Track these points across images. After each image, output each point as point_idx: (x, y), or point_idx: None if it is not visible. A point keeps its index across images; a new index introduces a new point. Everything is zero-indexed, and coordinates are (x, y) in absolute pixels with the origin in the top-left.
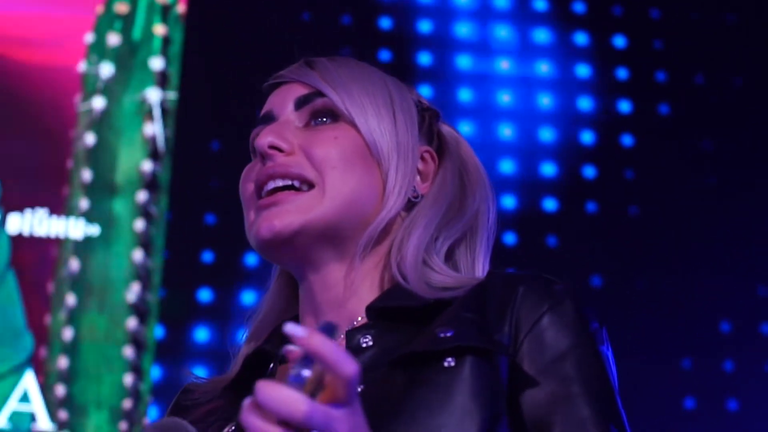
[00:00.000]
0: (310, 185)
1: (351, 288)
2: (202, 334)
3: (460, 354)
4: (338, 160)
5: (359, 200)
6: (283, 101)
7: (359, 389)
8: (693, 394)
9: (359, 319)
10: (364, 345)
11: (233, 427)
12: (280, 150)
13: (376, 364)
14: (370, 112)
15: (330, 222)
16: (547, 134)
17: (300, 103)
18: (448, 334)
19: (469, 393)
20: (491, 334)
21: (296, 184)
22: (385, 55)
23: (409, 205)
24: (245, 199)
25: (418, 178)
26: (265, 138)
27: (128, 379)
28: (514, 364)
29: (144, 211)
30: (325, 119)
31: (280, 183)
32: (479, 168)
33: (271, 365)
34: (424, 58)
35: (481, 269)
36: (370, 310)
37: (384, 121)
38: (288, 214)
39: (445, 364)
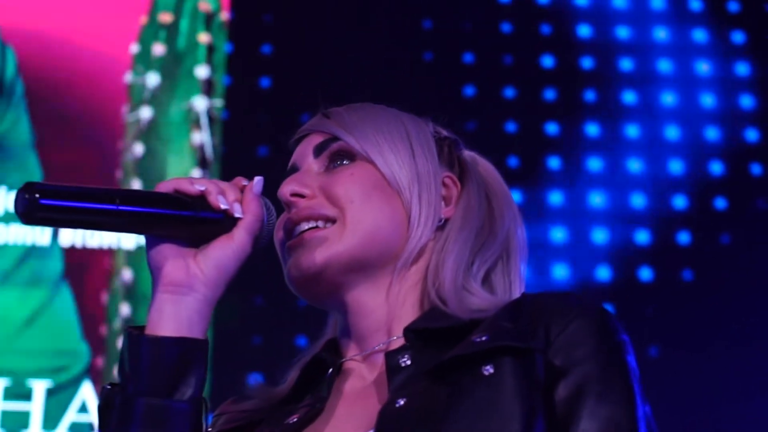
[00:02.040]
0: (332, 222)
1: (389, 313)
2: (256, 339)
3: (498, 359)
4: (356, 194)
5: (382, 230)
6: (304, 152)
7: (402, 402)
8: None
9: (395, 338)
10: (403, 365)
11: (295, 419)
12: (301, 196)
13: (416, 378)
14: (386, 148)
15: (354, 254)
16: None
17: (318, 150)
18: (483, 338)
19: (511, 397)
20: (526, 338)
21: (320, 224)
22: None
23: (437, 229)
24: (278, 248)
25: (442, 203)
26: (286, 187)
27: None
28: (549, 362)
29: None
30: (342, 161)
31: (305, 226)
32: (504, 187)
33: (330, 370)
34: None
35: (518, 291)
36: (408, 331)
37: (400, 154)
38: (312, 252)
39: (485, 372)
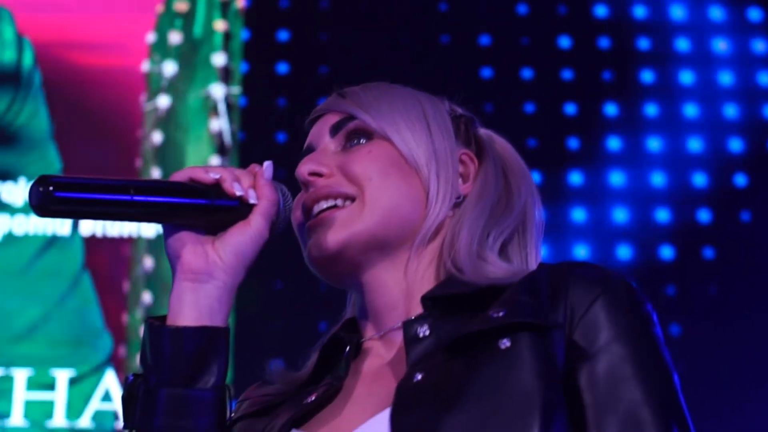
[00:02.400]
0: (351, 200)
1: (406, 289)
2: (276, 324)
3: (515, 333)
4: (374, 171)
5: (400, 208)
6: (320, 132)
7: (419, 377)
8: None
9: (416, 313)
10: (421, 335)
11: (313, 398)
12: (319, 175)
13: (434, 353)
14: (403, 126)
15: (374, 232)
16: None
17: (334, 130)
18: (501, 314)
19: (528, 371)
20: (546, 313)
21: (339, 202)
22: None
23: (455, 206)
24: (297, 228)
25: (459, 180)
26: (304, 167)
27: None
28: (571, 341)
29: None
30: (359, 140)
31: (324, 205)
32: (521, 163)
33: (347, 348)
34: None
35: (534, 264)
36: (426, 300)
37: (417, 131)
38: (332, 232)
39: (501, 346)
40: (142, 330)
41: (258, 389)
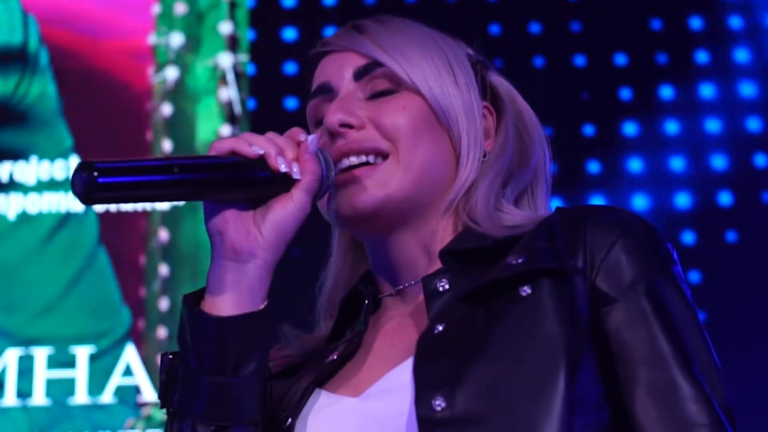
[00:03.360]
0: (384, 156)
1: (426, 246)
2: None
3: (535, 280)
4: (409, 129)
5: (433, 168)
6: (340, 71)
7: (440, 328)
8: None
9: (434, 268)
10: (441, 289)
11: (335, 357)
12: (350, 126)
13: (454, 305)
14: (432, 77)
15: (408, 192)
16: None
17: (359, 74)
18: (520, 261)
19: (550, 318)
20: (565, 259)
21: (371, 159)
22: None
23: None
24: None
25: (482, 137)
26: (334, 116)
27: None
28: (594, 287)
29: None
30: (387, 88)
31: (354, 160)
32: (533, 116)
33: (366, 302)
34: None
35: (544, 211)
36: (444, 254)
37: (446, 84)
38: (368, 191)
39: (522, 293)
40: (161, 302)
41: (279, 351)
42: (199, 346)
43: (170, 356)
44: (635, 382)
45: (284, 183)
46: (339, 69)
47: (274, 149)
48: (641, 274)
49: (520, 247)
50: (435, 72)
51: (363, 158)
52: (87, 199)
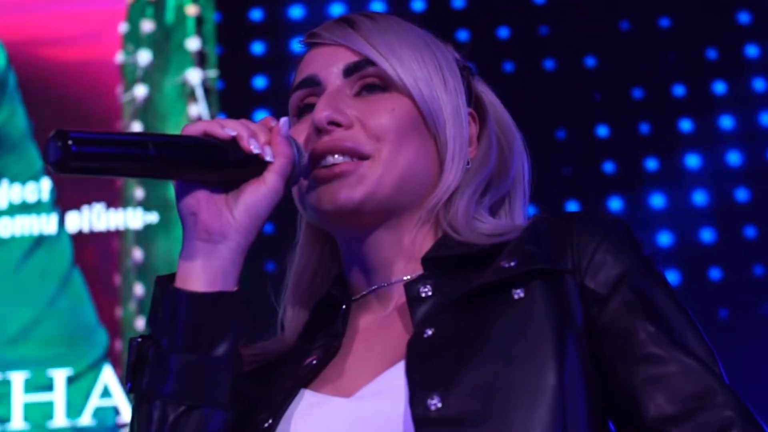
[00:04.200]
0: (367, 158)
1: (403, 248)
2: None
3: (528, 283)
4: (395, 132)
5: (416, 171)
6: (329, 66)
7: (430, 332)
8: None
9: (413, 273)
10: (424, 294)
11: (315, 360)
12: (338, 125)
13: (441, 309)
14: (423, 80)
15: (389, 192)
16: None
17: (350, 71)
18: (512, 264)
19: (544, 319)
20: (555, 261)
21: (355, 159)
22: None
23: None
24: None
25: (467, 144)
26: (323, 112)
27: None
28: (583, 287)
29: None
30: (376, 87)
31: (339, 159)
32: (513, 126)
33: (344, 306)
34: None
35: (521, 221)
36: (427, 260)
37: (436, 87)
38: (349, 188)
39: (515, 296)
40: (137, 321)
41: (247, 350)
42: (173, 322)
43: (139, 339)
44: (635, 372)
45: (257, 166)
46: (328, 63)
47: (246, 132)
48: (627, 271)
49: (509, 251)
50: (426, 75)
51: (347, 158)
52: (60, 167)
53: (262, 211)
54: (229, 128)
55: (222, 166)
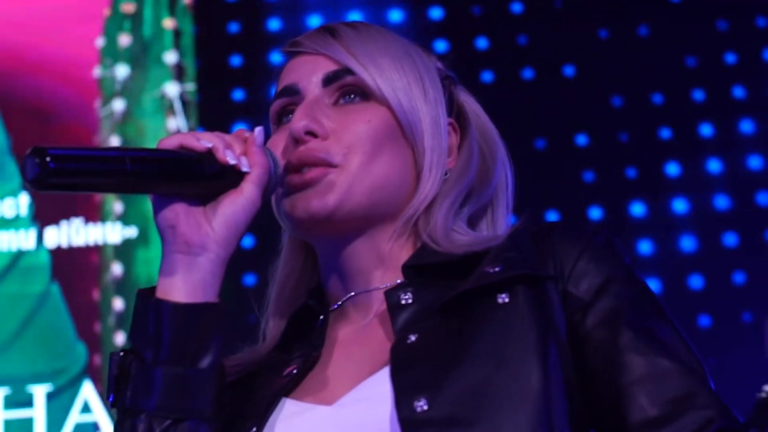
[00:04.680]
0: (336, 166)
1: (381, 257)
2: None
3: (512, 288)
4: (368, 143)
5: (390, 182)
6: (309, 75)
7: (413, 338)
8: None
9: (392, 282)
10: (404, 302)
11: (295, 370)
12: (314, 135)
13: (423, 316)
14: (402, 90)
15: (360, 202)
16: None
17: (329, 80)
18: (497, 269)
19: (529, 322)
20: (537, 267)
21: (330, 169)
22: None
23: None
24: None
25: (446, 154)
26: (299, 122)
27: None
28: (566, 294)
29: None
30: (355, 97)
31: (314, 169)
32: (496, 136)
33: (321, 317)
34: None
35: (504, 231)
36: (408, 268)
37: (416, 98)
38: (321, 196)
39: (499, 300)
40: (117, 336)
41: (227, 361)
42: (157, 334)
43: (121, 353)
44: (617, 377)
45: (234, 177)
46: (308, 72)
47: (222, 143)
48: (609, 279)
49: (492, 258)
50: (406, 85)
51: (321, 170)
52: (39, 184)
53: (241, 222)
54: (204, 140)
55: (199, 178)
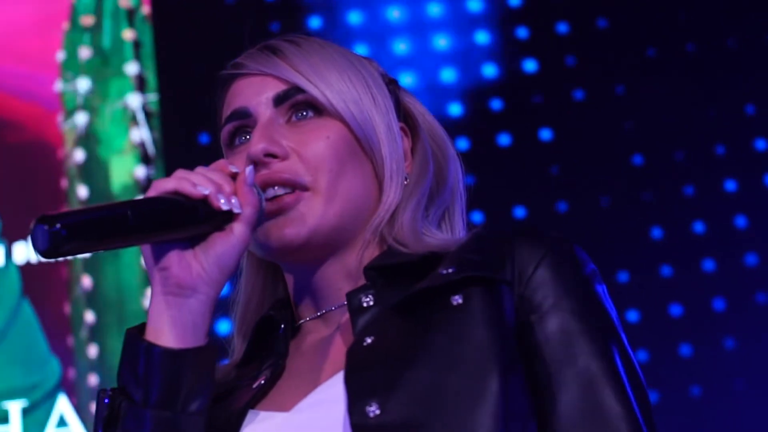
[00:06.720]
0: (306, 189)
1: (350, 271)
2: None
3: (466, 289)
4: (332, 160)
5: (357, 196)
6: (257, 96)
7: (369, 341)
8: None
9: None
10: (365, 304)
11: (263, 381)
12: (274, 156)
13: (382, 318)
14: (352, 102)
15: (333, 224)
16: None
17: (279, 100)
18: (450, 270)
19: (482, 325)
20: (494, 270)
21: (295, 191)
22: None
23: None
24: None
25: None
26: (257, 145)
27: None
28: (521, 299)
29: None
30: (308, 113)
31: (280, 191)
32: (445, 133)
33: (282, 326)
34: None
35: (461, 229)
36: (369, 270)
37: (367, 107)
38: (294, 224)
39: (453, 302)
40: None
41: None
42: (147, 377)
43: (110, 393)
44: (559, 399)
45: (224, 216)
46: (256, 94)
47: (214, 188)
48: (567, 291)
49: (449, 259)
50: (356, 96)
51: (287, 190)
52: (52, 253)
53: (232, 261)
54: (200, 186)
55: (195, 224)
